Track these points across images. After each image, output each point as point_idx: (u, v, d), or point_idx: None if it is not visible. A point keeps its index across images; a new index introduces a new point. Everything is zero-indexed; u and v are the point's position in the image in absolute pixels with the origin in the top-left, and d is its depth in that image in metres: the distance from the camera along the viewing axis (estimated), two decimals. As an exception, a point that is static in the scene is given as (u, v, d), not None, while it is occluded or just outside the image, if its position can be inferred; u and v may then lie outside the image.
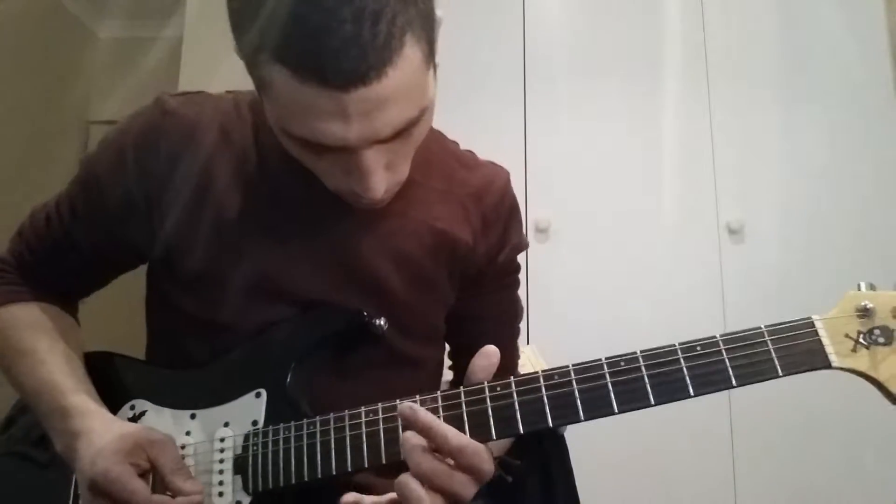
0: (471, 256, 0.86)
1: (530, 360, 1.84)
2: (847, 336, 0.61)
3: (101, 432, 0.71)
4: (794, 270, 1.95)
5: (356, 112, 0.60)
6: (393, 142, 0.65)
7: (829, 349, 0.61)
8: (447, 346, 0.97)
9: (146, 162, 0.78)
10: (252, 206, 0.79)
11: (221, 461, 0.72)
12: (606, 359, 0.63)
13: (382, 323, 0.79)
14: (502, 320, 0.95)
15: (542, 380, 0.64)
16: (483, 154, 0.94)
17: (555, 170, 2.10)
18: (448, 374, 0.97)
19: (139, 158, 0.78)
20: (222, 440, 0.73)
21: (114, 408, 0.78)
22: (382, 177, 0.67)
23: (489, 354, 0.66)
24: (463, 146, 0.94)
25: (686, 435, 1.85)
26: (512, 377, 0.65)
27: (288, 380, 0.75)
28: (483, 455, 0.62)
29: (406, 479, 0.61)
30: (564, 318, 1.97)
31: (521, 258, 0.94)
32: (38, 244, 0.86)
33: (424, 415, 0.62)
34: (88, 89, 3.17)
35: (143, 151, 0.78)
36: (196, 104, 0.81)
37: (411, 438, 0.62)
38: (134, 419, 0.78)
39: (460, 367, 0.96)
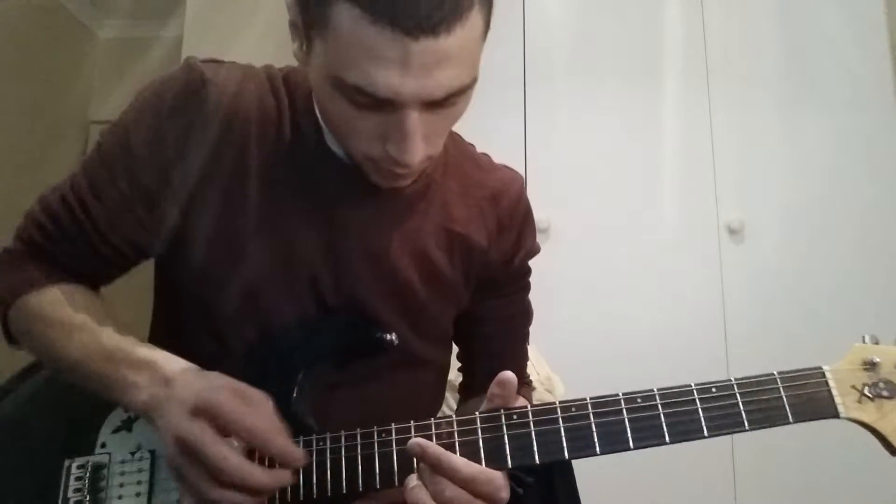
0: (485, 260, 0.85)
1: (531, 360, 1.83)
2: (853, 387, 0.63)
3: (190, 381, 0.65)
4: (794, 270, 1.95)
5: (417, 63, 0.59)
6: (437, 110, 0.65)
7: (837, 400, 0.63)
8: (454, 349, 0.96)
9: (180, 135, 0.73)
10: (281, 190, 0.76)
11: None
12: (623, 394, 0.64)
13: (393, 338, 0.78)
14: (513, 323, 0.95)
15: (559, 411, 0.64)
16: (483, 154, 0.94)
17: (555, 170, 2.10)
18: (451, 375, 0.97)
19: (174, 130, 0.73)
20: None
21: (107, 410, 0.75)
22: (421, 144, 0.65)
23: (504, 383, 0.65)
24: None
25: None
26: (529, 406, 0.65)
27: (294, 394, 0.74)
28: (496, 482, 0.62)
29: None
30: (564, 319, 1.96)
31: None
32: (55, 228, 0.78)
33: (433, 450, 0.62)
34: (88, 89, 3.17)
35: (178, 123, 0.73)
36: (233, 74, 0.76)
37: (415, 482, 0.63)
38: (128, 422, 0.75)
39: (470, 372, 0.96)
